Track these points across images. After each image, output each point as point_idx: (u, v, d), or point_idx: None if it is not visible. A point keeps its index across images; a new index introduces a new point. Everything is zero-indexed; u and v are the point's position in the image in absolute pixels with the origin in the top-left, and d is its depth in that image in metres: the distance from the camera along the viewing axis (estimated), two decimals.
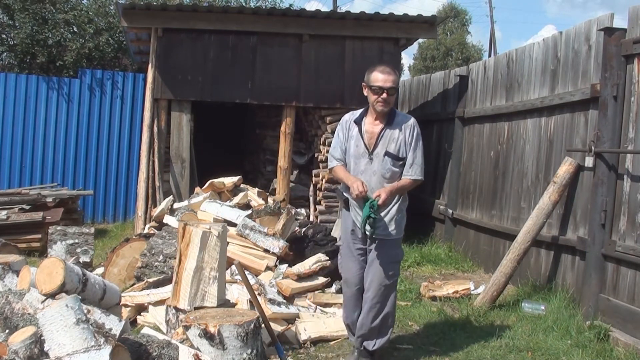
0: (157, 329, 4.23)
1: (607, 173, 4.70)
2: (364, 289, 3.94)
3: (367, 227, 3.66)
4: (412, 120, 3.87)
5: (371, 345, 3.88)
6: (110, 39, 11.51)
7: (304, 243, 5.66)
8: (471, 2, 74.07)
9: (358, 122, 3.86)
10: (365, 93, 3.84)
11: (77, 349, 2.81)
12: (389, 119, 3.81)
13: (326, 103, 7.91)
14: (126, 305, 4.57)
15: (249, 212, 5.89)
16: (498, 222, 6.63)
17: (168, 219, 5.97)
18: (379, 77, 3.73)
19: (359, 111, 3.94)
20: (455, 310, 5.14)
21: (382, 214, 3.77)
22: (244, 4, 14.05)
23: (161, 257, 5.21)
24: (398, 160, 3.78)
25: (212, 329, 3.39)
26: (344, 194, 3.89)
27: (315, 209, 8.14)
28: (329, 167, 4.00)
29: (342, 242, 4.01)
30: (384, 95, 3.72)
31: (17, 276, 3.81)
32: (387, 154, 3.77)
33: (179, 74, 7.61)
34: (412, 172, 3.79)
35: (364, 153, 3.80)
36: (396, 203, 3.83)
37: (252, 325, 3.49)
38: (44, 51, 10.83)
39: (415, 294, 5.63)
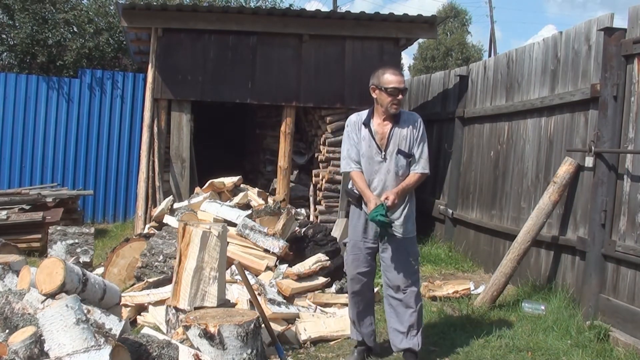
0: (157, 329, 4.23)
1: (607, 173, 4.70)
2: (368, 287, 4.02)
3: (384, 227, 3.71)
4: (418, 117, 3.97)
5: (417, 344, 3.91)
6: (110, 39, 11.51)
7: (304, 243, 5.67)
8: (471, 2, 74.16)
9: (367, 123, 3.90)
10: (374, 95, 3.87)
11: (77, 349, 2.81)
12: (396, 118, 3.87)
13: (326, 103, 7.91)
14: (126, 305, 4.57)
15: (249, 212, 5.89)
16: (498, 222, 6.63)
17: (168, 219, 5.97)
18: (392, 78, 3.79)
19: (365, 112, 3.97)
20: (455, 310, 5.14)
21: (397, 213, 3.86)
22: (244, 4, 14.04)
23: (161, 257, 5.21)
24: (409, 157, 3.88)
25: (212, 329, 3.39)
26: (355, 190, 3.92)
27: (315, 209, 8.14)
28: (344, 170, 4.00)
29: (349, 240, 4.05)
30: (399, 96, 3.79)
31: (17, 276, 3.81)
32: (399, 152, 3.85)
33: (179, 74, 7.61)
34: (420, 167, 3.89)
35: (377, 153, 3.86)
36: (409, 201, 3.92)
37: (252, 325, 3.49)
38: (44, 51, 10.82)
39: None
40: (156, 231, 5.91)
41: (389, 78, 3.79)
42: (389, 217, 3.71)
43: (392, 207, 3.71)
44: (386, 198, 3.71)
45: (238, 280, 4.81)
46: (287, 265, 5.24)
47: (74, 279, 3.46)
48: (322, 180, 8.00)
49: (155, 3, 9.13)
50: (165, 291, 4.59)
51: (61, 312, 2.90)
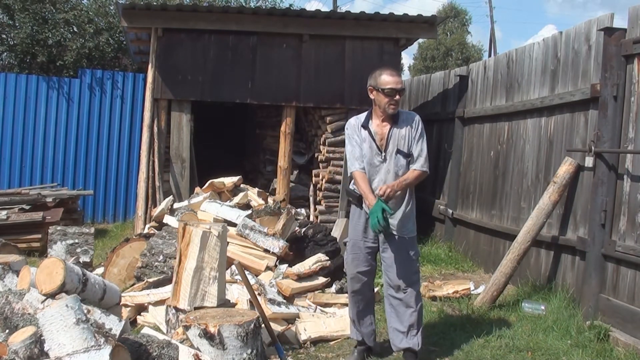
0: (157, 329, 4.23)
1: (607, 173, 4.70)
2: (368, 286, 4.03)
3: (383, 223, 3.69)
4: (416, 116, 3.97)
5: (417, 344, 3.91)
6: (110, 39, 11.51)
7: (304, 243, 5.66)
8: (471, 2, 74.22)
9: (366, 125, 3.92)
10: (372, 96, 3.89)
11: (77, 349, 2.81)
12: (394, 118, 3.89)
13: (326, 103, 7.90)
14: (126, 305, 4.57)
15: (249, 212, 5.89)
16: (498, 222, 6.63)
17: (168, 219, 5.97)
18: (389, 79, 3.80)
19: (363, 115, 3.99)
20: (455, 310, 5.14)
21: (398, 212, 3.86)
22: (244, 4, 14.04)
23: (161, 257, 5.21)
24: (408, 157, 3.89)
25: (212, 329, 3.39)
26: (356, 190, 3.93)
27: (315, 209, 8.14)
28: (350, 170, 4.00)
29: (349, 239, 4.06)
30: (397, 97, 3.80)
31: (17, 276, 3.81)
32: (398, 152, 3.86)
33: (179, 74, 7.61)
34: (419, 165, 3.89)
35: (377, 154, 3.88)
36: (409, 201, 3.93)
37: (252, 325, 3.49)
38: (44, 51, 10.82)
39: None
40: (156, 231, 5.91)
41: (385, 79, 3.80)
42: (387, 214, 3.69)
43: (385, 199, 3.71)
44: (379, 188, 3.72)
45: (238, 280, 4.81)
46: (287, 265, 5.24)
47: (74, 279, 3.46)
48: (322, 180, 8.00)
49: (155, 3, 9.12)
50: (165, 291, 4.59)
51: (61, 312, 2.90)
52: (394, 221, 3.86)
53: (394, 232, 3.87)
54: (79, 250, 5.98)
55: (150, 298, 4.68)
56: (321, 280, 5.17)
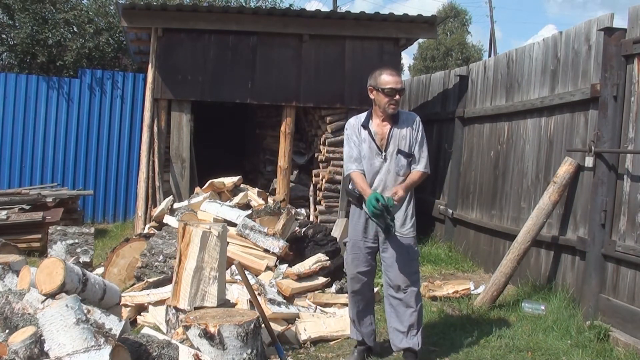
0: (157, 329, 4.23)
1: (607, 173, 4.70)
2: (368, 286, 4.04)
3: (377, 204, 3.67)
4: (416, 117, 3.99)
5: (417, 344, 3.91)
6: (110, 39, 11.51)
7: (304, 243, 5.67)
8: (471, 2, 74.26)
9: (366, 125, 3.93)
10: (372, 96, 3.90)
11: (77, 349, 2.81)
12: (394, 118, 3.89)
13: (326, 103, 7.91)
14: (126, 305, 4.57)
15: (249, 212, 5.89)
16: (498, 222, 6.63)
17: (168, 219, 5.97)
18: (389, 79, 3.81)
19: (363, 115, 3.99)
20: (455, 310, 5.14)
21: (399, 212, 3.86)
22: (244, 4, 14.05)
23: (161, 257, 5.21)
24: (409, 157, 3.90)
25: (212, 329, 3.39)
26: (355, 190, 3.93)
27: (315, 209, 8.14)
28: (347, 172, 4.00)
29: (349, 239, 4.06)
30: (397, 96, 3.81)
31: (17, 276, 3.81)
32: (399, 152, 3.87)
33: (179, 74, 7.61)
34: (422, 165, 3.91)
35: (378, 154, 3.89)
36: (409, 201, 3.94)
37: (252, 325, 3.49)
38: (44, 51, 10.82)
39: None
40: (156, 231, 5.91)
41: (385, 79, 3.81)
42: (384, 207, 3.66)
43: (397, 200, 3.72)
44: (394, 193, 3.73)
45: (238, 280, 4.81)
46: (287, 265, 5.24)
47: (74, 279, 3.46)
48: (322, 180, 8.00)
49: (155, 3, 9.12)
50: (165, 291, 4.59)
51: (61, 312, 2.90)
52: (395, 221, 3.85)
53: (395, 232, 3.87)
54: (79, 250, 5.98)
55: (150, 298, 4.68)
56: (321, 280, 5.17)
